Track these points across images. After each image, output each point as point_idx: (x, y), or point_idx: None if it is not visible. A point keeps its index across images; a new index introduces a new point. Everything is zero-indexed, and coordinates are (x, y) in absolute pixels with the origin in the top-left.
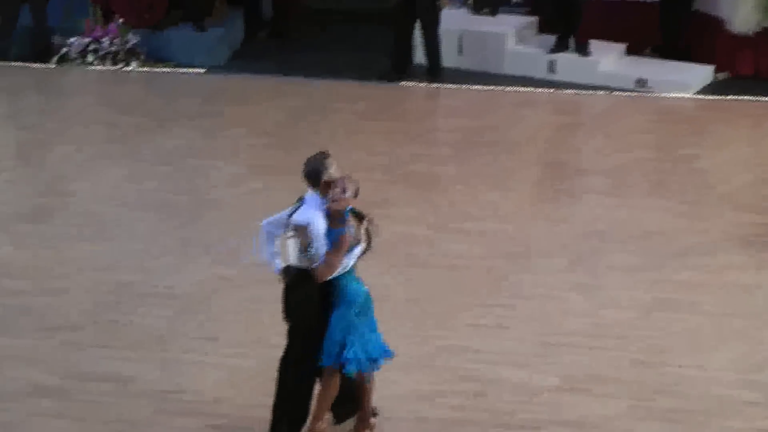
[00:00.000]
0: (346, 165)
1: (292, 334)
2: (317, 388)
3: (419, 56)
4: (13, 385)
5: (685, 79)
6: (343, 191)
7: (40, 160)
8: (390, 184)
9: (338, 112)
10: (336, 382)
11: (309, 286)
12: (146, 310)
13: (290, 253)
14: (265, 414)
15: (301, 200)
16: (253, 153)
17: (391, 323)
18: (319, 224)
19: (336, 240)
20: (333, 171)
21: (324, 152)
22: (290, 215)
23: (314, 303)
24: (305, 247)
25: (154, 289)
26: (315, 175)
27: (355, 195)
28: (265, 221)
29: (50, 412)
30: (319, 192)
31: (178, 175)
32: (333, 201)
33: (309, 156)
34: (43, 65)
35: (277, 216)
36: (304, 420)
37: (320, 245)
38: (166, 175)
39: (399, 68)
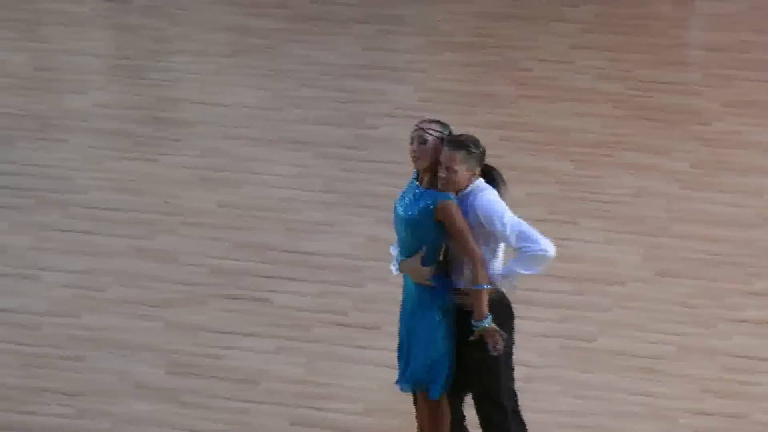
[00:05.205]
0: (561, 94)
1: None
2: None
3: None
4: (107, 382)
5: None
6: None
7: (143, 74)
8: (624, 120)
9: (555, 20)
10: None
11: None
12: (289, 285)
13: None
14: None
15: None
16: (435, 73)
17: (617, 312)
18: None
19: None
20: None
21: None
22: None
23: None
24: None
25: (299, 258)
26: None
27: None
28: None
29: (148, 419)
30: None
31: (331, 101)
32: None
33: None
34: None
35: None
36: None
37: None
38: (315, 101)
39: None
